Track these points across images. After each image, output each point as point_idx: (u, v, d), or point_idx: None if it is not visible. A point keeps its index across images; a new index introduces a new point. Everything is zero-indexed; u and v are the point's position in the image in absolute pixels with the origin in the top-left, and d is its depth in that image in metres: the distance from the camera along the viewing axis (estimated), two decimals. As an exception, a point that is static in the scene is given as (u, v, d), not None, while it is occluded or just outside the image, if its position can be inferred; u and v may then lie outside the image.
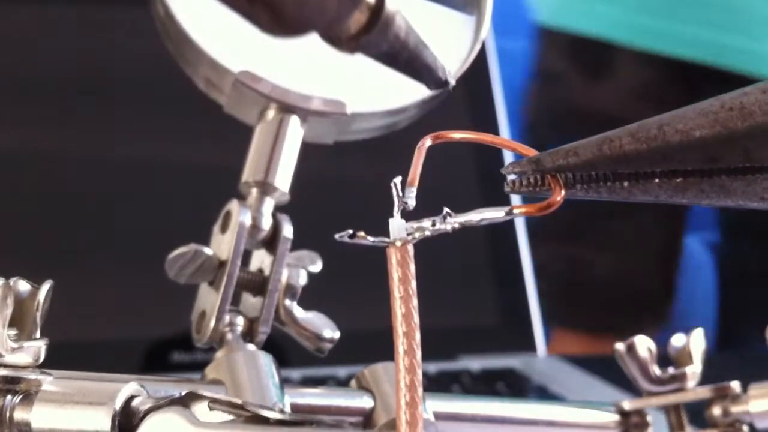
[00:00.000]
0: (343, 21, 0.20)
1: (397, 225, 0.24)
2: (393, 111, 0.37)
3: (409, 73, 0.23)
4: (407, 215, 0.24)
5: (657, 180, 0.25)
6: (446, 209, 0.24)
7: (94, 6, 0.70)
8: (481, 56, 0.69)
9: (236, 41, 0.38)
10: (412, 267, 0.23)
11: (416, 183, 0.24)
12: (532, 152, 0.25)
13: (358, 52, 0.21)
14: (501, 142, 0.26)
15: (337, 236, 0.23)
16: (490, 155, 0.68)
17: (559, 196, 0.25)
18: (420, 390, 0.22)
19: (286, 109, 0.36)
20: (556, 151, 0.25)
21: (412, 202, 0.24)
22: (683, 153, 0.24)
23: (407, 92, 0.37)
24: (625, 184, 0.25)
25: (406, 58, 0.21)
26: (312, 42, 0.39)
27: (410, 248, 0.23)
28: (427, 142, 0.25)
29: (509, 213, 0.24)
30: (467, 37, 0.38)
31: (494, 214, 0.24)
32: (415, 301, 0.23)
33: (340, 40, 0.21)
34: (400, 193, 0.24)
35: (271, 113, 0.36)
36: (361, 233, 0.23)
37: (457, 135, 0.26)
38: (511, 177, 0.25)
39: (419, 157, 0.25)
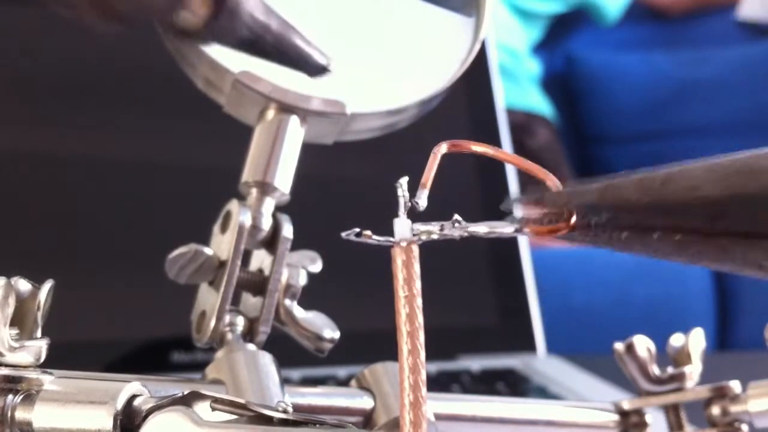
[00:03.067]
0: (181, 7, 0.19)
1: (402, 225, 0.24)
2: (393, 111, 0.37)
3: (282, 61, 0.22)
4: (408, 216, 0.24)
5: (657, 234, 0.24)
6: (456, 216, 0.24)
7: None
8: (481, 57, 0.70)
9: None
10: (417, 267, 0.23)
11: (428, 186, 0.24)
12: (543, 173, 0.25)
13: (212, 41, 0.20)
14: (515, 161, 0.26)
15: (343, 234, 0.23)
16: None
17: (571, 221, 0.25)
18: (424, 390, 0.22)
19: (286, 109, 0.36)
20: (558, 193, 0.25)
21: (423, 203, 0.24)
22: (685, 210, 0.23)
23: (407, 92, 0.37)
24: (624, 234, 0.24)
25: (273, 44, 0.20)
26: (311, 42, 0.39)
27: (415, 248, 0.23)
28: (443, 148, 0.25)
29: (518, 231, 0.24)
30: (467, 38, 0.38)
31: (503, 229, 0.25)
32: (419, 301, 0.23)
33: (187, 30, 0.19)
34: (406, 194, 0.24)
35: (270, 113, 0.36)
36: (368, 232, 0.23)
37: (476, 147, 0.25)
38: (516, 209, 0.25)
39: (434, 161, 0.25)
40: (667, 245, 0.24)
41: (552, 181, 0.25)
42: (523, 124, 1.55)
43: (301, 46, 0.21)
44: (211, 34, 0.20)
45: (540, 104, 1.70)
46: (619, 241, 0.24)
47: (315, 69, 0.22)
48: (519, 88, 1.63)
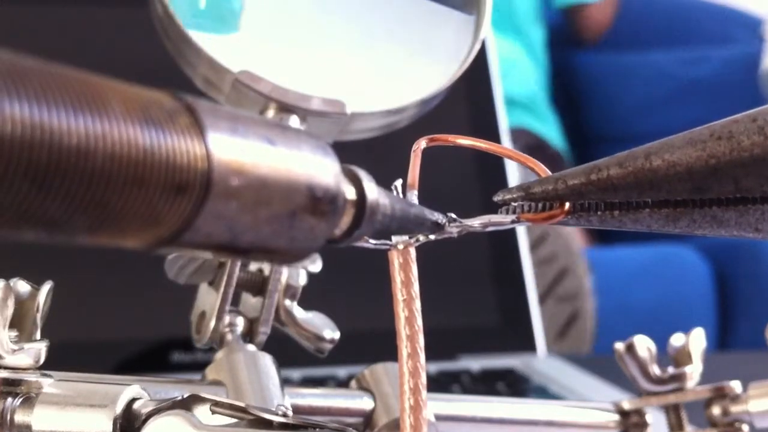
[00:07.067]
0: (333, 231, 0.21)
1: None
2: (392, 111, 0.37)
3: (403, 233, 0.23)
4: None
5: (647, 210, 0.25)
6: (451, 214, 0.24)
7: (94, 6, 0.70)
8: (481, 56, 0.70)
9: (236, 41, 0.38)
10: (415, 269, 0.23)
11: (416, 185, 0.24)
12: (532, 162, 0.25)
13: (351, 243, 0.22)
14: (497, 149, 0.26)
15: None
16: (493, 156, 0.68)
17: (565, 206, 0.25)
18: (424, 393, 0.22)
19: (286, 108, 0.35)
20: (546, 179, 0.25)
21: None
22: (671, 183, 0.24)
23: (407, 92, 0.37)
24: (616, 213, 0.25)
25: (397, 226, 0.22)
26: (312, 42, 0.39)
27: (412, 251, 0.23)
28: (422, 144, 0.25)
29: (515, 221, 0.24)
30: (467, 37, 0.38)
31: (500, 220, 0.24)
32: (417, 304, 0.23)
33: (334, 242, 0.21)
34: (401, 196, 0.24)
35: (270, 113, 0.36)
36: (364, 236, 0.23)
37: (457, 140, 0.25)
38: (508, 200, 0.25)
39: (416, 159, 0.25)
40: (659, 219, 0.25)
41: (541, 170, 0.25)
42: (533, 147, 1.58)
43: (419, 217, 0.23)
44: (352, 240, 0.21)
45: (551, 134, 1.70)
46: (612, 220, 0.25)
47: (432, 229, 0.23)
48: (537, 119, 1.66)
